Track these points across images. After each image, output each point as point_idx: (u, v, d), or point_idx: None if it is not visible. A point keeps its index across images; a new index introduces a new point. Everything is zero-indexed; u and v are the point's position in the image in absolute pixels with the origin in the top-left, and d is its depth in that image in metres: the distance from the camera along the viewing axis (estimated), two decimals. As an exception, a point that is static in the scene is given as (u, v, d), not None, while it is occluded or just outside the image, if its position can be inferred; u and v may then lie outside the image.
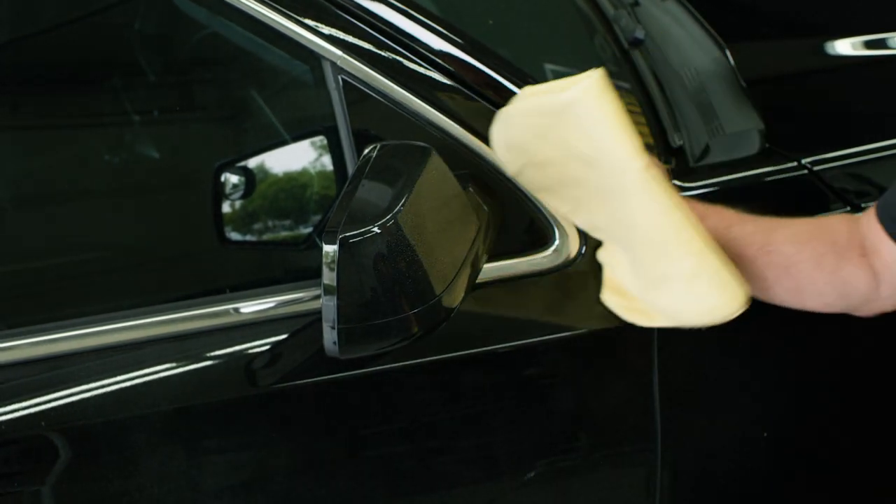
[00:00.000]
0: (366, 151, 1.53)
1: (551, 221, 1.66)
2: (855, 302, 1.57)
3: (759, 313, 1.75)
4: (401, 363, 1.59)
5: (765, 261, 1.55)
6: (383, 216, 1.42)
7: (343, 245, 1.39)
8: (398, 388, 1.62)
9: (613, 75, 2.11)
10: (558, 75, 2.08)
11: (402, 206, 1.44)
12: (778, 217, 1.59)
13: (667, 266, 1.50)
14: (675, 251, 1.48)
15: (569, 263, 1.68)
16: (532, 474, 1.72)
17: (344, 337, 1.42)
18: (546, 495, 1.75)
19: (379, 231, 1.40)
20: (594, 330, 1.69)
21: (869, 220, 1.55)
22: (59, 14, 1.93)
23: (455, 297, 1.52)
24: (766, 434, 1.79)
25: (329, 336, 1.42)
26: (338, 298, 1.40)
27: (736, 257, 1.54)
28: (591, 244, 1.67)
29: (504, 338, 1.65)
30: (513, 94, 1.64)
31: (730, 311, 1.48)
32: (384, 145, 1.54)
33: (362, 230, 1.40)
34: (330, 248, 1.39)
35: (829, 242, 1.56)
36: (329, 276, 1.39)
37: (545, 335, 1.67)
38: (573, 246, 1.68)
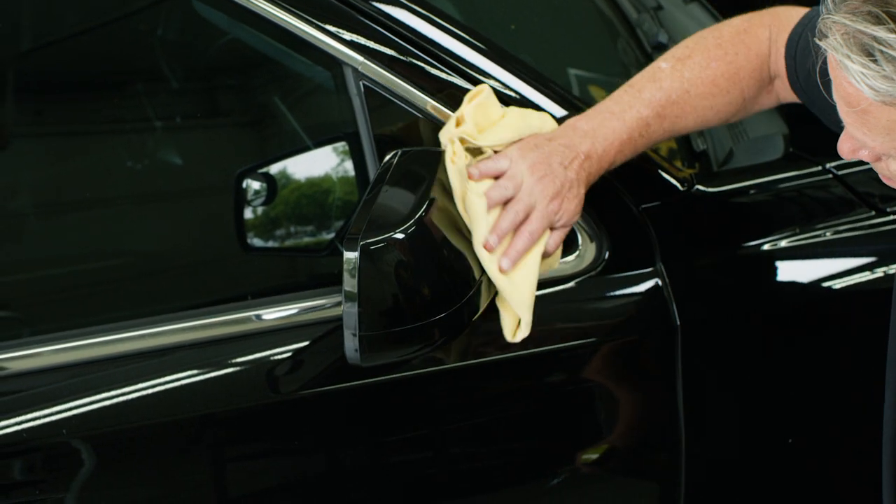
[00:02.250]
0: (387, 157, 1.53)
1: (574, 227, 1.65)
2: None
3: (788, 321, 1.74)
4: (422, 370, 1.58)
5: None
6: (404, 223, 1.41)
7: (364, 252, 1.38)
8: (419, 395, 1.61)
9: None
10: (580, 80, 2.08)
11: (424, 212, 1.43)
12: (688, 79, 1.62)
13: None
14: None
15: (591, 269, 1.67)
16: (556, 480, 1.71)
17: (365, 344, 1.41)
18: (570, 501, 1.74)
19: (400, 238, 1.40)
20: (618, 336, 1.68)
21: (779, 62, 1.62)
22: (81, 21, 1.93)
23: (477, 304, 1.52)
24: (791, 441, 1.78)
25: (350, 343, 1.42)
26: (359, 305, 1.39)
27: None
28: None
29: (527, 344, 1.64)
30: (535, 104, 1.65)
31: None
32: (405, 151, 1.54)
33: (383, 237, 1.40)
34: (351, 255, 1.38)
35: (738, 104, 1.63)
36: (350, 283, 1.39)
37: (569, 341, 1.67)
38: (595, 252, 1.67)
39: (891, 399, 1.47)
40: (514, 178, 1.52)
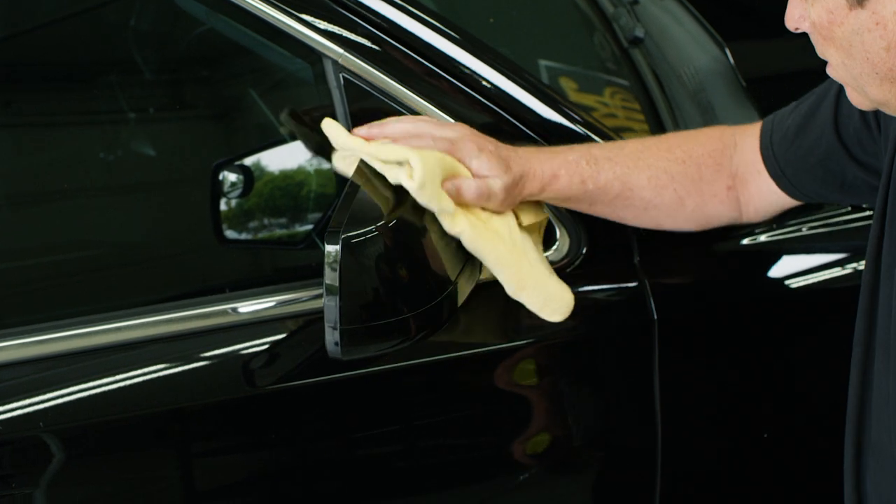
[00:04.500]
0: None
1: (552, 221, 1.66)
2: (715, 226, 1.65)
3: (764, 315, 1.75)
4: (396, 364, 1.57)
5: (623, 204, 1.59)
6: (385, 216, 1.41)
7: (345, 245, 1.38)
8: (394, 390, 1.61)
9: (612, 73, 2.11)
10: (556, 73, 2.08)
11: (405, 206, 1.43)
12: (642, 142, 1.62)
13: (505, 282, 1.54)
14: (501, 274, 1.53)
15: (569, 263, 1.67)
16: (525, 476, 1.71)
17: (346, 338, 1.41)
18: (540, 497, 1.74)
19: (381, 231, 1.40)
20: (596, 330, 1.68)
21: (744, 153, 1.60)
22: (53, 10, 1.92)
23: (457, 299, 1.51)
24: (766, 435, 1.79)
25: (331, 337, 1.41)
26: (340, 299, 1.39)
27: (592, 205, 1.59)
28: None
29: (504, 338, 1.64)
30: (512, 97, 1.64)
31: (560, 315, 1.56)
32: (386, 145, 1.53)
33: (364, 230, 1.39)
34: (332, 249, 1.38)
35: (694, 180, 1.60)
36: (331, 277, 1.38)
37: (546, 336, 1.67)
38: (572, 246, 1.67)
39: (855, 380, 1.49)
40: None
